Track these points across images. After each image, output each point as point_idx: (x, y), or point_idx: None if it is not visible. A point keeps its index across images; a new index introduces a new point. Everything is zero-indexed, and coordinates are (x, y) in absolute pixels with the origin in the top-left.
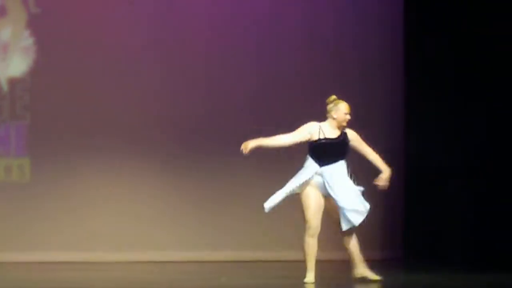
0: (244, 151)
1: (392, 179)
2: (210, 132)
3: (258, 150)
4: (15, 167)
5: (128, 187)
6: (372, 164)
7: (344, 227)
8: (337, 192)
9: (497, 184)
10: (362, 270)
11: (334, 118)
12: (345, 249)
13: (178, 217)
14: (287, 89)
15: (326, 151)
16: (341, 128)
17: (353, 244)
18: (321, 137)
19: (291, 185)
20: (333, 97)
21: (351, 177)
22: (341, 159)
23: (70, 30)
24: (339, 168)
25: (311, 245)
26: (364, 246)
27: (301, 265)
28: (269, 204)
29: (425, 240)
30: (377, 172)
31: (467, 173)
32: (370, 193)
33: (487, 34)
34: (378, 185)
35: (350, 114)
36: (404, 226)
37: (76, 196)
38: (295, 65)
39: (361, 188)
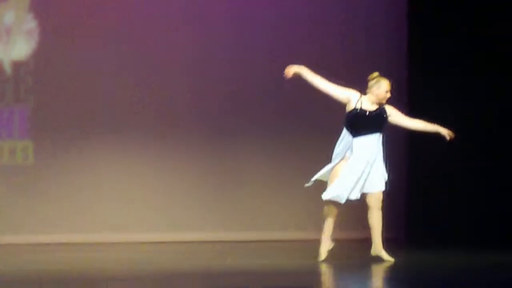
0: (286, 75)
1: (395, 159)
2: (216, 113)
3: (268, 132)
4: (19, 150)
5: (133, 168)
6: (421, 131)
7: (326, 195)
8: (364, 167)
9: (499, 164)
10: (378, 249)
11: (375, 95)
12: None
13: (183, 197)
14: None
15: (360, 122)
16: (380, 105)
17: (374, 222)
18: (358, 107)
19: (334, 161)
20: (376, 73)
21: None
22: (375, 132)
23: (73, 12)
24: (372, 141)
25: (330, 211)
26: (367, 225)
27: (308, 244)
28: (313, 177)
29: (427, 220)
30: None
31: (470, 153)
32: None
33: (492, 32)
34: (448, 138)
35: (391, 92)
36: (406, 205)
37: (79, 179)
38: (300, 55)
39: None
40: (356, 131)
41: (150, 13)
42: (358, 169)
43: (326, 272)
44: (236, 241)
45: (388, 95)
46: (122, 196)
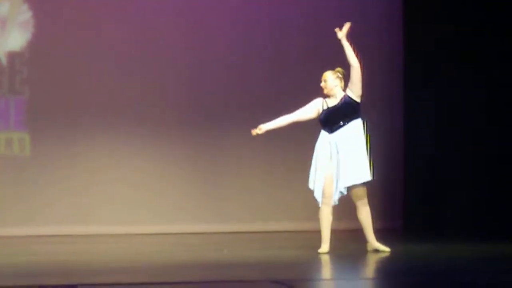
0: (254, 134)
1: (392, 150)
2: (215, 105)
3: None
4: (16, 141)
5: (129, 160)
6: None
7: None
8: (339, 160)
9: (498, 155)
10: (373, 244)
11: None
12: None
13: (180, 189)
14: (290, 72)
15: (330, 118)
16: (338, 95)
17: (363, 218)
18: (325, 108)
19: (313, 163)
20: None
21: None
22: (349, 121)
23: (68, 3)
24: (349, 131)
25: (324, 214)
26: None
27: (309, 235)
28: (311, 184)
29: (424, 210)
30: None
31: (468, 143)
32: (371, 164)
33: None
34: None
35: (323, 80)
36: (404, 196)
37: (76, 170)
38: (296, 52)
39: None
40: (330, 128)
41: (147, 6)
42: (335, 164)
43: (322, 263)
44: (233, 232)
45: (321, 84)
46: (119, 188)
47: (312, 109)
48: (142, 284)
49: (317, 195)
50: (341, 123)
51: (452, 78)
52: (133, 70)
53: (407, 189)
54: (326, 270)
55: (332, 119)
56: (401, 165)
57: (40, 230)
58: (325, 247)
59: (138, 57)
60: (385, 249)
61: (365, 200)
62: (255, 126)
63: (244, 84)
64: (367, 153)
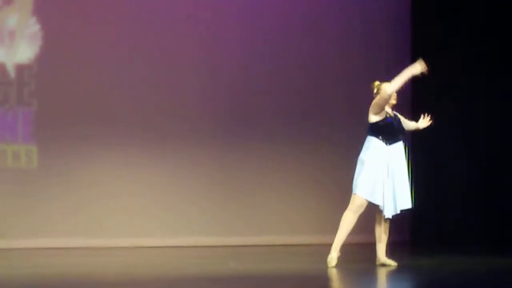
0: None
1: None
2: (225, 116)
3: (276, 134)
4: (23, 153)
5: (137, 173)
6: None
7: (387, 214)
8: (395, 175)
9: (508, 167)
10: (381, 257)
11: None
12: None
13: (188, 202)
14: (296, 80)
15: (391, 130)
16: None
17: (384, 231)
18: (387, 115)
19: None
20: (377, 82)
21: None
22: (401, 138)
23: (76, 16)
24: (401, 148)
25: (347, 219)
26: (370, 230)
27: (313, 249)
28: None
29: (432, 224)
30: None
31: (477, 155)
32: None
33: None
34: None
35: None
36: (412, 209)
37: (84, 183)
38: (301, 56)
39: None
40: (388, 139)
41: (153, 17)
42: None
43: (331, 277)
44: (240, 245)
45: (394, 101)
46: (127, 200)
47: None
48: None
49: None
50: (399, 136)
51: (461, 86)
52: (142, 83)
53: (415, 202)
54: (334, 283)
55: (393, 130)
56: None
57: (47, 243)
58: (333, 255)
59: (148, 69)
60: (391, 263)
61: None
62: (266, 139)
63: (257, 94)
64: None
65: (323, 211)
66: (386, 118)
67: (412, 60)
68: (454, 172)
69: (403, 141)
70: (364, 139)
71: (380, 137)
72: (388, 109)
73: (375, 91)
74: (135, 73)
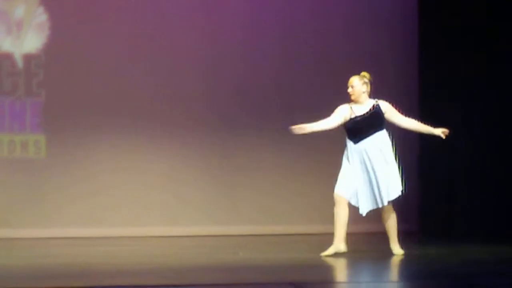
0: (294, 131)
1: (407, 154)
2: (232, 106)
3: (282, 124)
4: (31, 143)
5: (145, 161)
6: (413, 132)
7: (361, 211)
8: (374, 169)
9: None
10: (391, 245)
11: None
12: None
13: (197, 191)
14: (304, 69)
15: (357, 128)
16: (366, 102)
17: (388, 221)
18: (352, 116)
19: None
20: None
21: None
22: (374, 132)
23: (84, 5)
24: (376, 141)
25: (335, 211)
26: (379, 219)
27: (325, 237)
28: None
29: (440, 213)
30: None
31: (484, 146)
32: None
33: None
34: (444, 136)
35: (351, 86)
36: (420, 199)
37: (91, 172)
38: (310, 48)
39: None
40: (356, 138)
41: (163, 7)
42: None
43: (340, 265)
44: (248, 234)
45: (349, 90)
46: (135, 189)
47: (340, 117)
48: (157, 286)
49: (354, 202)
50: (368, 133)
51: (469, 80)
52: (149, 72)
53: (422, 192)
54: (343, 272)
55: (360, 129)
56: (416, 167)
57: (56, 232)
58: (331, 248)
59: (155, 59)
60: (399, 251)
61: (391, 206)
62: (272, 128)
63: (262, 85)
64: (397, 163)
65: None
66: (352, 119)
67: (420, 58)
68: (462, 162)
69: (386, 131)
70: None
71: (348, 137)
72: (357, 106)
73: (365, 80)
74: (143, 63)
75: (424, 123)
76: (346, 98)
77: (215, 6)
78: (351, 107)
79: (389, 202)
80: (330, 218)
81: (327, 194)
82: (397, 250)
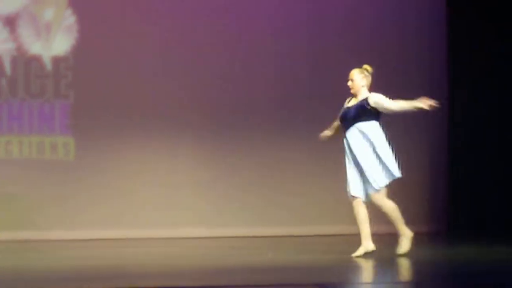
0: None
1: (436, 153)
2: (256, 108)
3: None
4: (60, 145)
5: (172, 163)
6: (404, 111)
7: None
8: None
9: None
10: (405, 232)
11: None
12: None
13: (223, 193)
14: (325, 62)
15: (343, 118)
16: (361, 95)
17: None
18: (345, 106)
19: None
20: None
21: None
22: (355, 123)
23: (111, 8)
24: (358, 133)
25: (354, 212)
26: (408, 220)
27: (351, 238)
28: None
29: (469, 213)
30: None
31: None
32: (415, 167)
33: None
34: (426, 108)
35: (351, 80)
36: (448, 199)
37: (120, 173)
38: (337, 40)
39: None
40: (344, 128)
41: (193, 11)
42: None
43: (363, 266)
44: (276, 236)
45: (348, 83)
46: (162, 191)
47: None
48: (187, 287)
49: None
50: (350, 124)
51: (499, 77)
52: (176, 74)
53: (451, 191)
54: (367, 273)
55: (344, 120)
56: (445, 167)
57: (84, 234)
58: (361, 248)
59: (182, 61)
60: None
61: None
62: (296, 128)
63: (275, 87)
64: (388, 154)
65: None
66: (343, 109)
67: (449, 48)
68: (492, 160)
69: (375, 123)
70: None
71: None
72: (354, 99)
73: (366, 73)
74: (171, 65)
75: (455, 122)
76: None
77: (229, 10)
78: (349, 100)
79: (376, 190)
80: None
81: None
82: (408, 233)
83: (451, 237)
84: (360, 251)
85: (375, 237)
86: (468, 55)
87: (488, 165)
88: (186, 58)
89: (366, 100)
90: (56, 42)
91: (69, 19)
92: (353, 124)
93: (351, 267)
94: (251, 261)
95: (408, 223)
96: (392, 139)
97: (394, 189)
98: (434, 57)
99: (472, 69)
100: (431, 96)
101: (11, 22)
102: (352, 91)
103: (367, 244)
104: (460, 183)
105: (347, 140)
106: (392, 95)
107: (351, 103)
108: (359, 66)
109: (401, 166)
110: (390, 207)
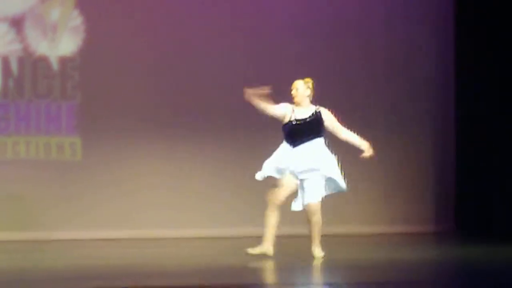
0: (246, 94)
1: (443, 152)
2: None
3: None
4: (67, 145)
5: (179, 164)
6: (350, 143)
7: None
8: (299, 168)
9: None
10: (312, 247)
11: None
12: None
13: (230, 192)
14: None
15: (296, 132)
16: (308, 107)
17: (311, 222)
18: (292, 119)
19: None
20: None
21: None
22: (313, 138)
23: (118, 8)
24: (313, 146)
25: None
26: (416, 219)
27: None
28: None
29: (477, 213)
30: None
31: None
32: (423, 167)
33: None
34: (365, 157)
35: (295, 89)
36: (456, 199)
37: (126, 174)
38: (347, 42)
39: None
40: (294, 141)
41: (196, 11)
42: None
43: (362, 266)
44: (282, 236)
45: (293, 92)
46: (169, 191)
47: (282, 110)
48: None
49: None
50: (308, 137)
51: (506, 79)
52: (182, 75)
53: (459, 191)
54: (379, 271)
55: (300, 133)
56: (453, 167)
57: (91, 234)
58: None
59: (189, 61)
60: (319, 255)
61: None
62: None
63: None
64: (336, 169)
65: (372, 202)
66: (291, 121)
67: (456, 37)
68: (500, 160)
69: (323, 138)
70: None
71: (286, 140)
72: (298, 109)
73: (309, 86)
74: (178, 67)
75: (462, 122)
76: (373, 97)
77: (232, 13)
78: (293, 109)
79: (311, 204)
80: (375, 219)
81: (372, 196)
82: (318, 252)
83: (459, 236)
84: (257, 250)
85: (373, 238)
86: (475, 54)
87: (496, 165)
88: (193, 59)
89: (319, 113)
90: (62, 42)
91: (76, 19)
92: (311, 138)
93: (362, 267)
94: (255, 260)
95: (416, 222)
96: (399, 140)
97: (403, 190)
98: (441, 56)
99: (479, 69)
100: (438, 95)
101: (18, 23)
102: (295, 99)
103: (267, 247)
104: (468, 182)
105: (300, 152)
106: (400, 96)
107: (302, 115)
108: (366, 66)
109: (409, 166)
110: (318, 222)
